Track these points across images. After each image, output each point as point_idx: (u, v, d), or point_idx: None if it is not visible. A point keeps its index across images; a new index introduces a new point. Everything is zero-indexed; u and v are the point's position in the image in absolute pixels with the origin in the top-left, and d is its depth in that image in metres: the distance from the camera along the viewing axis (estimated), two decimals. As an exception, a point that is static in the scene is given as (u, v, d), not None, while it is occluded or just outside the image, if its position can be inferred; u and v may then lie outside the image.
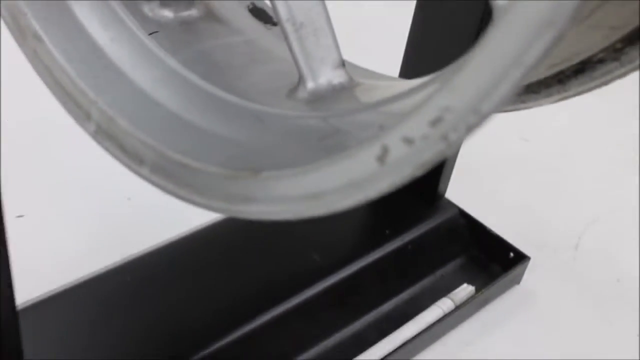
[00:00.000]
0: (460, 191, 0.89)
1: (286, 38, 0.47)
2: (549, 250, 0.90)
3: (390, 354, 0.71)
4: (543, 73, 0.47)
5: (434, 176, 0.85)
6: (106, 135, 0.48)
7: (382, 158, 0.32)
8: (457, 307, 0.77)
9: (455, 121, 0.29)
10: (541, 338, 0.80)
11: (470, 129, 0.29)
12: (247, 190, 0.40)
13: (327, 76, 0.47)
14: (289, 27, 0.46)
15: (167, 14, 0.55)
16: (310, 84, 0.47)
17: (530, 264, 0.84)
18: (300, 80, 0.48)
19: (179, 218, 0.78)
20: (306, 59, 0.47)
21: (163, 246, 0.77)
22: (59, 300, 0.70)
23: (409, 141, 0.31)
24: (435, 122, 0.30)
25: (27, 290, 0.65)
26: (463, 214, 0.87)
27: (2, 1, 0.48)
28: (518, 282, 0.84)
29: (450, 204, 0.87)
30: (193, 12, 0.56)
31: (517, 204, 0.97)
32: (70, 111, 0.50)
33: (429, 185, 0.86)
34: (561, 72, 0.46)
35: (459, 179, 0.89)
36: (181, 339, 0.69)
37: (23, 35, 0.50)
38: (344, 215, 0.80)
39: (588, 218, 0.96)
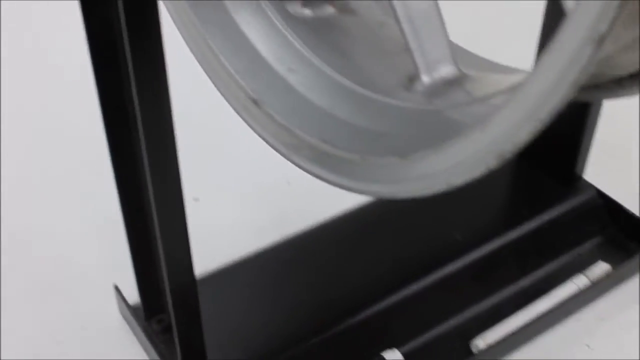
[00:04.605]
0: (599, 172, 0.92)
1: (404, 36, 0.53)
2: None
3: (525, 327, 0.77)
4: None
5: (571, 157, 0.89)
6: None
7: None
8: (592, 284, 0.81)
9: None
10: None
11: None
12: (394, 172, 0.48)
13: (441, 72, 0.53)
14: (406, 27, 0.52)
15: (307, 12, 0.61)
16: (425, 78, 0.54)
17: (671, 245, 0.86)
18: (416, 74, 0.54)
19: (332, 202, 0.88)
20: (422, 55, 0.53)
21: (319, 226, 0.87)
22: (232, 273, 0.81)
23: None
24: None
25: (202, 264, 0.76)
26: (601, 195, 0.90)
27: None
28: (657, 261, 0.87)
29: (588, 185, 0.90)
30: (329, 10, 0.62)
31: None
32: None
33: (566, 166, 0.89)
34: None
35: (598, 160, 0.92)
36: (334, 307, 0.78)
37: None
38: (484, 197, 0.87)
39: None
